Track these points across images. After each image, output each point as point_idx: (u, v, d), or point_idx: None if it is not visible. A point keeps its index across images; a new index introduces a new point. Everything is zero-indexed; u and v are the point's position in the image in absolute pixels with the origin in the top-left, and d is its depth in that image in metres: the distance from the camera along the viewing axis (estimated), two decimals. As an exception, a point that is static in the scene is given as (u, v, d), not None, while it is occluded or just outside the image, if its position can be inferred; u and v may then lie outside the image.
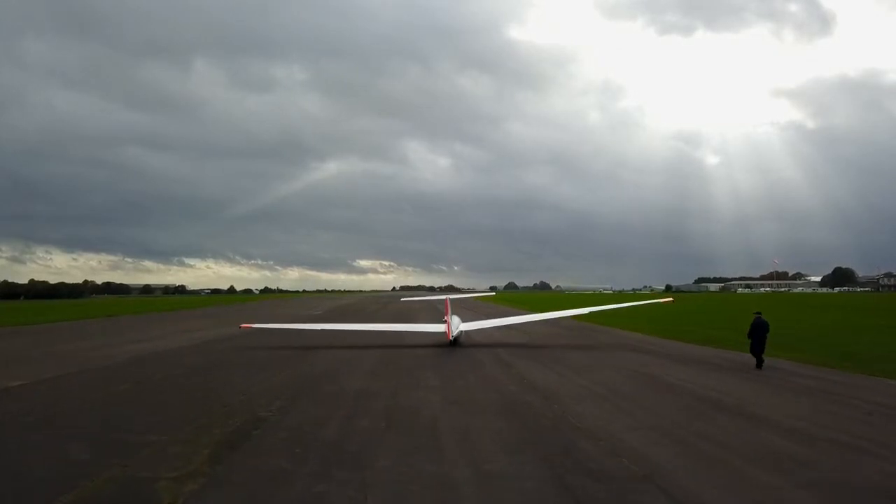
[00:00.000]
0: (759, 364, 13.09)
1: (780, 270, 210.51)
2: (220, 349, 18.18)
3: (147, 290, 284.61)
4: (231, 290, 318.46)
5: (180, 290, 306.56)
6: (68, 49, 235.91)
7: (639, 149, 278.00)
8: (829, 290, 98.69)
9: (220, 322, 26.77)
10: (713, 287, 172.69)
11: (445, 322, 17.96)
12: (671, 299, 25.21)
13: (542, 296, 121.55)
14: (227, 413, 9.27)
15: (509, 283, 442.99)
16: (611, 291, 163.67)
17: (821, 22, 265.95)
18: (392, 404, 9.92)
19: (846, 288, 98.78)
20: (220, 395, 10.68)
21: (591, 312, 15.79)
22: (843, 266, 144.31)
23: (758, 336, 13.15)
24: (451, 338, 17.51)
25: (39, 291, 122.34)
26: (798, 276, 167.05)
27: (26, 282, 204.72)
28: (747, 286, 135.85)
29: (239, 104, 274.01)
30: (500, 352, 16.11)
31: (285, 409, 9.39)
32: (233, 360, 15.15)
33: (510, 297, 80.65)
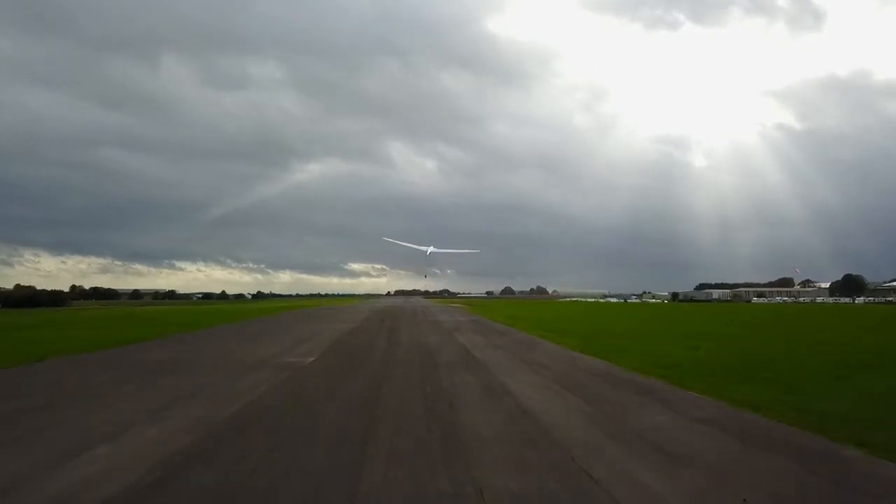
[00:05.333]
0: None
1: (785, 277, 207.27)
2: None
3: (136, 295, 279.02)
4: (223, 294, 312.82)
5: (170, 294, 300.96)
6: (33, 45, 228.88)
7: (625, 150, 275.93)
8: (851, 301, 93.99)
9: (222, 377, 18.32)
10: (717, 294, 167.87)
11: None
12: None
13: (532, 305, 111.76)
14: None
15: (506, 289, 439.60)
16: (615, 300, 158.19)
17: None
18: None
19: (870, 298, 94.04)
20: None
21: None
22: (847, 271, 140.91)
23: None
24: None
25: (18, 299, 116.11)
26: (807, 283, 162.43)
27: (12, 287, 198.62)
28: (760, 294, 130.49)
29: (215, 103, 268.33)
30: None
31: None
32: None
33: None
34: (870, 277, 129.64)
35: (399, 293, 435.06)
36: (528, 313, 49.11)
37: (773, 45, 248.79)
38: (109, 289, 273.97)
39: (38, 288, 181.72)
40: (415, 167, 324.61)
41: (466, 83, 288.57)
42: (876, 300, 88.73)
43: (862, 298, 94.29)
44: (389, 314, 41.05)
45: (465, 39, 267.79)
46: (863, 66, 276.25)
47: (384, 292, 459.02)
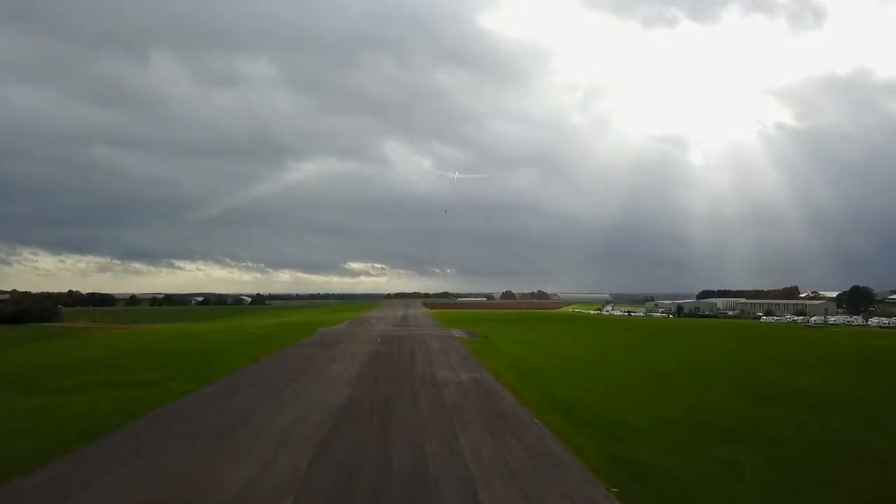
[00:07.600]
0: None
1: (788, 286, 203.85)
2: None
3: (133, 300, 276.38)
4: (221, 300, 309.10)
5: (167, 299, 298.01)
6: (31, 43, 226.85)
7: (623, 149, 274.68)
8: (864, 322, 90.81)
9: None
10: (721, 303, 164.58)
11: None
12: None
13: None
14: None
15: (506, 292, 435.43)
16: (619, 313, 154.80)
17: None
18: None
19: (884, 320, 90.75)
20: None
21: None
22: (848, 270, 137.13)
23: None
24: None
25: (7, 316, 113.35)
26: (815, 295, 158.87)
27: (10, 290, 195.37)
28: (769, 313, 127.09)
29: (213, 102, 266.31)
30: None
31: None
32: None
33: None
34: (869, 277, 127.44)
35: (399, 296, 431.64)
36: (532, 359, 46.54)
37: (773, 43, 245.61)
38: (106, 294, 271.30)
39: (37, 291, 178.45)
40: (412, 166, 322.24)
41: (462, 81, 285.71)
42: (891, 322, 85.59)
43: (876, 320, 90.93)
44: (385, 367, 38.47)
45: (460, 37, 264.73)
46: (863, 65, 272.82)
47: (384, 292, 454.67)
